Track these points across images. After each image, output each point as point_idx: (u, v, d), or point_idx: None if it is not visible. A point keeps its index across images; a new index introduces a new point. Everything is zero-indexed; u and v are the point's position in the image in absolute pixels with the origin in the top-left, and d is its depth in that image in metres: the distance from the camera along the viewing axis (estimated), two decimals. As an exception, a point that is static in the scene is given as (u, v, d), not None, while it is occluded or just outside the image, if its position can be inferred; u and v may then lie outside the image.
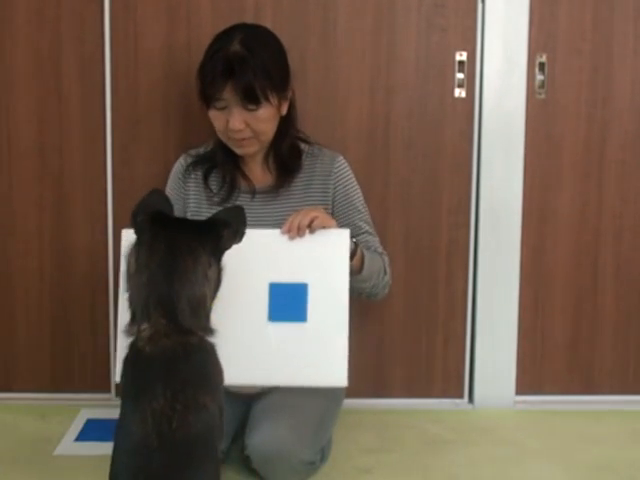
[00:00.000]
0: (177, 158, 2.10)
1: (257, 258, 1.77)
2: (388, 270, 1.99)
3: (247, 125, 1.85)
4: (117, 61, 2.22)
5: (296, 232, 1.77)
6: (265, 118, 1.86)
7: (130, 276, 1.43)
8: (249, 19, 2.18)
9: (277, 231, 1.79)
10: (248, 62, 1.80)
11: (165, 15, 2.21)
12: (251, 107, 1.83)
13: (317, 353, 1.76)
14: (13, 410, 2.26)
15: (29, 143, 2.26)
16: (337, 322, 1.77)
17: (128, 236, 1.75)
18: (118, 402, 2.36)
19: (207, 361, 1.41)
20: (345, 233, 1.80)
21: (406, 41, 2.24)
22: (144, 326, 1.37)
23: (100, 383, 2.33)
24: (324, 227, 1.78)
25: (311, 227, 1.77)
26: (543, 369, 2.37)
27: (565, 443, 2.10)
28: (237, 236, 1.51)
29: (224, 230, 1.46)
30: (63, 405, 2.29)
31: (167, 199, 1.57)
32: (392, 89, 2.25)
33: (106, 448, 1.99)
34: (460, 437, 2.14)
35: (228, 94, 1.82)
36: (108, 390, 2.34)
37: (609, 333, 2.37)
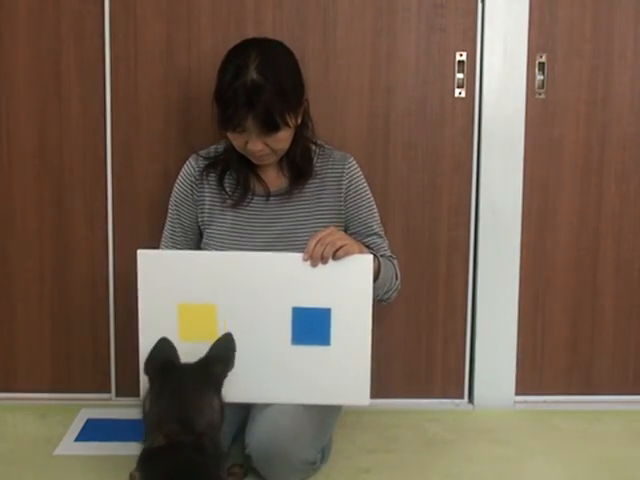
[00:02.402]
0: (177, 158, 2.10)
1: (280, 282, 1.79)
2: (399, 274, 2.00)
3: (266, 145, 1.85)
4: (117, 61, 2.22)
5: (319, 261, 1.77)
6: (284, 138, 1.86)
7: (145, 414, 1.60)
8: (249, 19, 2.19)
9: (300, 255, 1.78)
10: (266, 91, 1.77)
11: (165, 15, 2.21)
12: (271, 133, 1.82)
13: (340, 375, 1.81)
14: (13, 410, 2.26)
15: (29, 143, 2.26)
16: (360, 346, 1.80)
17: (143, 256, 1.82)
18: (118, 402, 2.38)
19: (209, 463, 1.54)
20: (368, 259, 1.79)
21: (406, 41, 2.24)
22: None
23: (100, 383, 2.34)
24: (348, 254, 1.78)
25: (335, 256, 1.76)
26: (543, 369, 2.37)
27: (565, 443, 2.11)
28: (230, 367, 1.66)
29: (220, 368, 1.64)
30: (63, 405, 2.29)
31: (172, 346, 1.67)
32: (392, 89, 2.25)
33: (106, 448, 2.01)
34: (460, 437, 2.14)
35: (249, 123, 1.80)
36: (108, 390, 2.34)
37: (609, 333, 2.37)
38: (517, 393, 2.36)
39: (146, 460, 1.53)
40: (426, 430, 2.17)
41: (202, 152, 2.02)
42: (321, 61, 2.23)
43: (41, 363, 2.34)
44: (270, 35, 2.16)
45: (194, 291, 1.80)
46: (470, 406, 2.36)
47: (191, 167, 2.01)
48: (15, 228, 2.29)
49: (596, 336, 2.37)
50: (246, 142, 1.84)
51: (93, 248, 2.30)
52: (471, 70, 2.25)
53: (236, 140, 1.87)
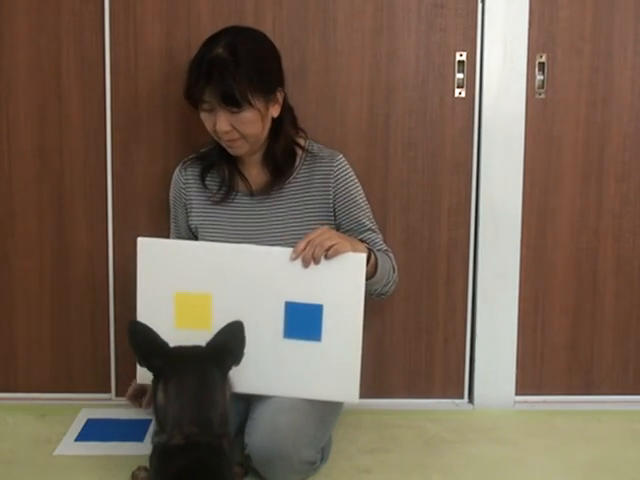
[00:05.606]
0: (177, 158, 2.11)
1: (274, 276, 1.80)
2: (396, 267, 2.01)
3: (233, 127, 1.87)
4: (117, 61, 2.22)
5: (310, 262, 1.78)
6: (250, 120, 1.87)
7: (159, 405, 1.59)
8: (249, 19, 2.19)
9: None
10: (228, 66, 1.81)
11: (165, 15, 2.21)
12: (234, 110, 1.84)
13: (330, 371, 1.83)
14: (13, 410, 2.26)
15: (29, 143, 2.26)
16: (351, 343, 1.82)
17: (143, 244, 1.83)
18: (118, 402, 2.38)
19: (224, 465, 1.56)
20: (361, 258, 1.80)
21: (406, 41, 2.24)
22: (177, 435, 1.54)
23: (100, 383, 2.34)
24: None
25: (327, 256, 1.77)
26: (543, 369, 2.37)
27: (565, 443, 2.10)
28: (239, 361, 1.66)
29: (232, 362, 1.65)
30: (63, 405, 2.29)
31: (148, 326, 1.63)
32: (392, 89, 2.25)
33: (106, 448, 2.01)
34: (460, 437, 2.13)
35: (209, 97, 1.84)
36: (108, 390, 2.34)
37: (609, 333, 2.37)
38: (517, 393, 2.36)
39: (161, 456, 1.53)
40: (426, 430, 2.17)
41: (190, 156, 2.07)
42: (321, 61, 2.23)
43: (41, 363, 2.34)
44: (270, 35, 2.16)
45: (191, 280, 1.82)
46: (470, 406, 2.36)
47: (177, 172, 2.06)
48: (15, 228, 2.29)
49: (596, 336, 2.37)
50: (215, 124, 1.87)
51: (93, 248, 2.30)
52: (471, 70, 2.25)
53: (207, 122, 1.90)
